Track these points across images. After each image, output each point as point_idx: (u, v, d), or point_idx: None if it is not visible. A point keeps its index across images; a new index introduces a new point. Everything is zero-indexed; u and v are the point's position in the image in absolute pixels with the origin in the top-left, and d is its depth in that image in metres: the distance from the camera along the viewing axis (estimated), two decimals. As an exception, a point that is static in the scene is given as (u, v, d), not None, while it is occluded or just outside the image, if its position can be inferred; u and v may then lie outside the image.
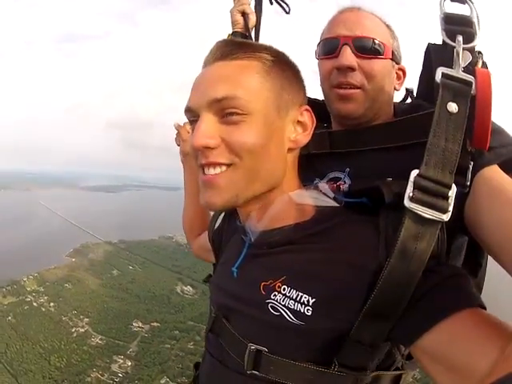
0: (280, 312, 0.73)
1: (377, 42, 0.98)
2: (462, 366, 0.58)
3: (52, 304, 63.30)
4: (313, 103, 0.85)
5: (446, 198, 0.63)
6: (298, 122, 0.79)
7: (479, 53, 0.76)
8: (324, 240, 0.76)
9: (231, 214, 1.04)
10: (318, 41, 1.07)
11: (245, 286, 0.82)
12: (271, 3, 1.46)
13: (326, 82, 1.03)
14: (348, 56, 0.97)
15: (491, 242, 0.73)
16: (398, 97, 1.17)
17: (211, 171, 0.72)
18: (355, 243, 0.73)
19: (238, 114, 0.70)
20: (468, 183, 0.72)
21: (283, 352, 0.72)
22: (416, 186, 0.63)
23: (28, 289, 67.20)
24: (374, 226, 0.73)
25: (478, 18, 0.78)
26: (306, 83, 0.84)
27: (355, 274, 0.69)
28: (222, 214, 1.12)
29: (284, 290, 0.74)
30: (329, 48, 1.01)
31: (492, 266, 0.82)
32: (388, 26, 1.05)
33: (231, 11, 1.40)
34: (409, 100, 1.25)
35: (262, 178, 0.75)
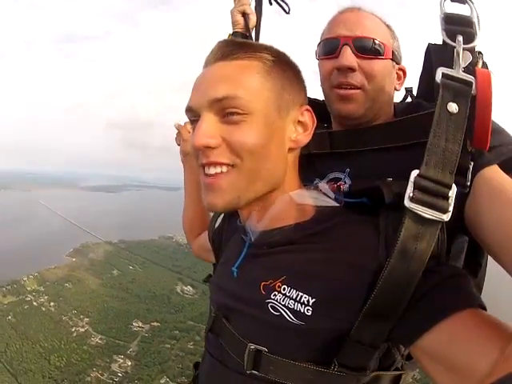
0: (280, 312, 0.73)
1: (377, 42, 0.98)
2: (462, 366, 0.58)
3: (52, 303, 63.33)
4: (313, 103, 0.85)
5: (447, 198, 0.63)
6: (299, 121, 0.79)
7: (479, 53, 0.76)
8: (324, 240, 0.76)
9: (231, 214, 1.04)
10: (318, 41, 1.07)
11: (245, 285, 0.82)
12: (271, 4, 1.46)
13: (327, 82, 1.03)
14: (348, 56, 0.97)
15: (491, 242, 0.73)
16: (398, 97, 1.17)
17: (212, 170, 0.72)
18: (355, 243, 0.73)
19: (238, 113, 0.70)
20: (468, 183, 0.72)
21: (283, 352, 0.72)
22: (416, 186, 0.63)
23: (28, 288, 67.23)
24: (374, 226, 0.73)
25: (478, 18, 0.78)
26: (307, 83, 0.84)
27: (355, 274, 0.69)
28: (222, 214, 1.12)
29: (284, 289, 0.74)
30: (329, 48, 1.01)
31: (492, 266, 0.82)
32: (388, 26, 1.05)
33: (231, 11, 1.40)
34: (409, 100, 1.25)
35: (263, 179, 0.75)
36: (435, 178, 0.63)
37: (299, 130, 0.79)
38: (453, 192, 0.63)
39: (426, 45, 0.93)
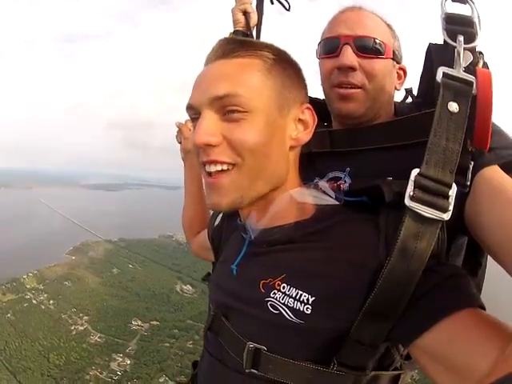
0: (279, 310, 0.73)
1: (378, 41, 0.98)
2: (461, 366, 0.58)
3: (51, 302, 63.32)
4: (314, 102, 0.85)
5: (447, 197, 0.63)
6: (300, 119, 0.79)
7: (480, 53, 0.76)
8: (324, 238, 0.76)
9: (231, 212, 1.04)
10: (319, 40, 1.07)
11: (244, 284, 0.82)
12: (272, 3, 1.46)
13: (327, 81, 1.03)
14: (349, 55, 0.97)
15: (491, 242, 0.73)
16: (398, 97, 1.17)
17: (212, 168, 0.72)
18: (355, 242, 0.73)
19: (239, 111, 0.70)
20: (468, 183, 0.72)
21: (282, 351, 0.72)
22: (416, 185, 0.63)
23: (28, 286, 67.20)
24: (374, 225, 0.73)
25: (479, 18, 0.78)
26: (307, 82, 0.83)
27: (355, 273, 0.69)
28: (222, 213, 1.12)
29: (284, 288, 0.74)
30: (330, 47, 1.01)
31: (492, 266, 0.82)
32: (389, 26, 1.05)
33: (233, 10, 1.41)
34: (409, 99, 1.25)
35: (265, 177, 0.75)
36: (435, 177, 0.63)
37: (300, 128, 0.79)
38: (453, 191, 0.63)
39: (427, 44, 0.93)
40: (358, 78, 0.98)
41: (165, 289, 70.61)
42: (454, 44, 0.74)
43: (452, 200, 0.63)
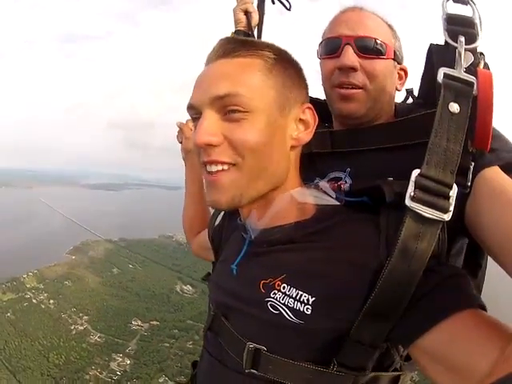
0: (279, 310, 0.72)
1: (379, 41, 0.98)
2: (462, 366, 0.58)
3: (51, 301, 63.37)
4: (314, 103, 0.85)
5: (447, 197, 0.63)
6: (300, 119, 0.79)
7: (481, 54, 0.76)
8: (324, 238, 0.76)
9: (231, 212, 1.04)
10: (320, 40, 1.07)
11: (244, 284, 0.82)
12: (273, 2, 1.46)
13: (328, 81, 1.03)
14: (350, 56, 0.96)
15: (491, 243, 0.73)
16: (399, 97, 1.17)
17: (213, 168, 0.72)
18: (356, 242, 0.73)
19: (239, 111, 0.70)
20: (469, 184, 0.72)
21: (282, 351, 0.72)
22: (417, 186, 0.63)
23: (28, 286, 67.29)
24: (375, 225, 0.72)
25: (480, 19, 0.78)
26: (309, 83, 0.83)
27: (356, 273, 0.69)
28: (222, 212, 1.12)
29: (284, 288, 0.73)
30: (331, 48, 1.01)
31: (492, 266, 0.82)
32: (390, 26, 1.04)
33: (234, 10, 1.41)
34: (410, 100, 1.25)
35: (266, 177, 0.75)
36: (436, 178, 0.63)
37: (301, 127, 0.79)
38: (454, 192, 0.63)
39: (428, 45, 0.93)
40: (359, 78, 0.98)
41: (165, 289, 70.66)
42: (455, 45, 0.74)
43: (453, 200, 0.63)
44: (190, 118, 0.80)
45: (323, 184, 0.85)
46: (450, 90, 0.67)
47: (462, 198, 0.73)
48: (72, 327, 56.71)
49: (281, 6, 1.46)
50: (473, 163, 0.72)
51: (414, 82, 1.17)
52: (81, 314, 60.23)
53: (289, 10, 1.47)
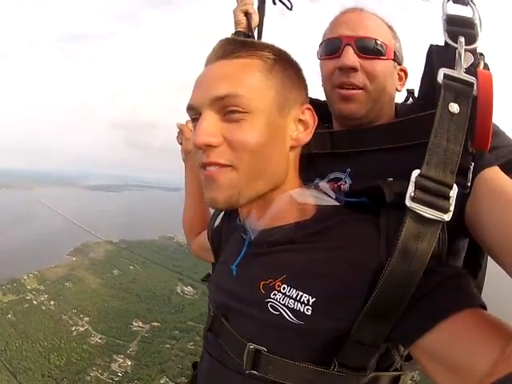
0: (279, 311, 0.72)
1: (379, 42, 0.98)
2: (462, 366, 0.58)
3: (52, 302, 63.32)
4: (314, 103, 0.85)
5: (447, 197, 0.63)
6: (300, 120, 0.79)
7: (481, 54, 0.76)
8: (324, 239, 0.76)
9: (231, 212, 1.04)
10: (320, 41, 1.07)
11: (244, 284, 0.82)
12: (274, 3, 1.46)
13: (328, 82, 1.03)
14: (350, 56, 0.97)
15: (491, 243, 0.73)
16: (399, 98, 1.17)
17: (212, 169, 0.73)
18: (356, 242, 0.73)
19: (239, 112, 0.70)
20: (469, 184, 0.72)
21: (282, 352, 0.72)
22: (417, 186, 0.63)
23: (28, 287, 67.23)
24: (375, 225, 0.72)
25: (480, 19, 0.78)
26: (308, 83, 0.84)
27: (356, 273, 0.69)
28: (222, 213, 1.12)
29: (284, 289, 0.73)
30: (331, 48, 1.01)
31: (492, 266, 0.82)
32: (390, 27, 1.05)
33: (234, 11, 1.41)
34: (410, 101, 1.25)
35: (265, 177, 0.75)
36: (436, 178, 0.63)
37: (300, 128, 0.79)
38: (454, 192, 0.63)
39: (428, 46, 0.93)
40: (359, 78, 0.98)
41: (165, 290, 70.59)
42: (455, 45, 0.74)
43: (453, 201, 0.63)
44: (190, 118, 0.80)
45: (323, 184, 0.85)
46: (449, 91, 0.68)
47: (462, 198, 0.73)
48: (73, 328, 56.66)
49: (281, 6, 1.46)
50: (473, 163, 0.72)
51: (414, 82, 1.17)
52: (81, 316, 60.17)
53: (290, 9, 1.47)
